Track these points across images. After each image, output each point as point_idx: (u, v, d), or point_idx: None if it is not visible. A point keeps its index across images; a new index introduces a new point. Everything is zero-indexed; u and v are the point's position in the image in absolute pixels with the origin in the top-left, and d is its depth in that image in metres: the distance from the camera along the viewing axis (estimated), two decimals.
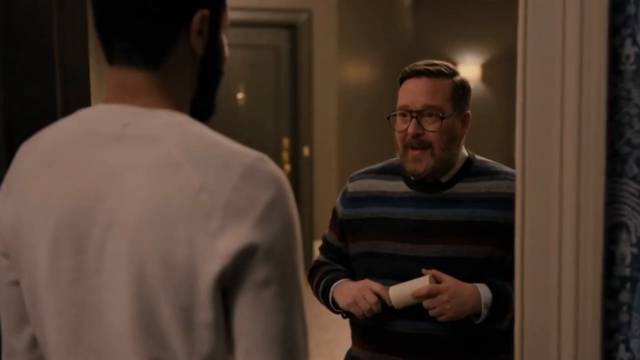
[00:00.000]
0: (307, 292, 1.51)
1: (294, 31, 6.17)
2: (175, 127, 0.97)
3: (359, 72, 6.31)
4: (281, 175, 0.96)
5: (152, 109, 1.00)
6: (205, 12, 1.01)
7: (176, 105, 1.02)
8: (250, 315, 0.92)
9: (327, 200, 5.79)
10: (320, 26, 6.07)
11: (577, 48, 1.20)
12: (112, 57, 1.02)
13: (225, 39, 1.08)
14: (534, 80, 1.24)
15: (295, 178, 6.20)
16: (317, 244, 2.06)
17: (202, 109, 1.08)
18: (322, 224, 2.03)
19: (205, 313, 0.92)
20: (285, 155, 6.24)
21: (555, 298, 1.25)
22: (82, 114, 1.04)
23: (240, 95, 6.12)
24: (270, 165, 0.96)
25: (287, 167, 6.23)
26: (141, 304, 0.93)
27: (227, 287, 0.92)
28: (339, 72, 6.12)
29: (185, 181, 0.92)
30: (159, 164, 0.94)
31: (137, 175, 0.94)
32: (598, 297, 1.22)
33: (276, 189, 0.94)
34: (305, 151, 6.20)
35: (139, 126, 0.98)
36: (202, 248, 0.90)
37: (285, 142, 6.25)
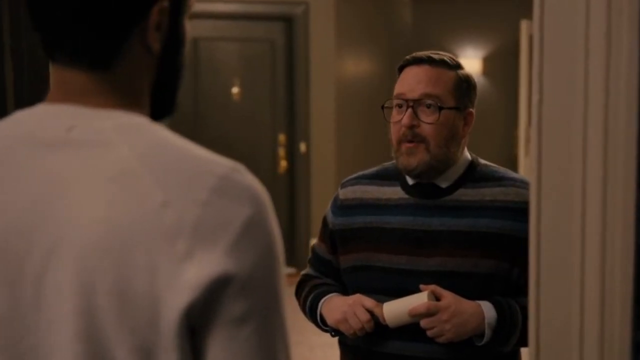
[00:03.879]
0: (295, 306, 1.42)
1: (290, 24, 6.12)
2: (132, 130, 0.84)
3: (357, 66, 6.29)
4: (260, 188, 0.83)
5: (103, 109, 0.86)
6: (165, 3, 0.88)
7: (131, 105, 0.88)
8: (225, 358, 0.79)
9: (324, 198, 5.73)
10: (317, 19, 6.03)
11: (604, 36, 1.05)
12: (53, 55, 0.88)
13: (187, 25, 0.94)
14: (552, 76, 1.10)
15: (291, 175, 6.22)
16: (314, 242, 1.94)
17: (159, 107, 0.94)
18: (319, 223, 1.92)
19: (168, 355, 0.78)
20: (282, 152, 6.22)
21: (576, 329, 1.10)
22: (18, 116, 0.90)
23: (235, 90, 6.09)
24: (247, 176, 0.83)
25: (284, 163, 6.22)
26: (90, 346, 0.79)
27: (196, 324, 0.79)
28: (337, 66, 6.08)
29: (144, 195, 0.79)
30: (112, 175, 0.81)
31: (86, 189, 0.81)
32: (627, 330, 1.07)
33: (254, 205, 0.81)
34: (302, 147, 6.17)
35: (86, 130, 0.84)
36: (166, 277, 0.77)
37: (282, 138, 6.22)
